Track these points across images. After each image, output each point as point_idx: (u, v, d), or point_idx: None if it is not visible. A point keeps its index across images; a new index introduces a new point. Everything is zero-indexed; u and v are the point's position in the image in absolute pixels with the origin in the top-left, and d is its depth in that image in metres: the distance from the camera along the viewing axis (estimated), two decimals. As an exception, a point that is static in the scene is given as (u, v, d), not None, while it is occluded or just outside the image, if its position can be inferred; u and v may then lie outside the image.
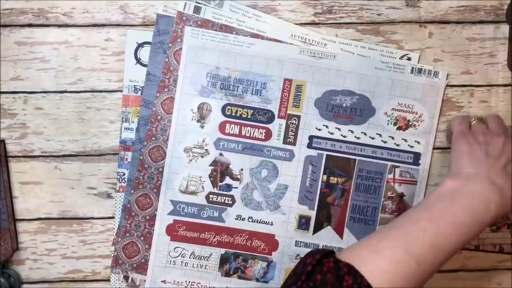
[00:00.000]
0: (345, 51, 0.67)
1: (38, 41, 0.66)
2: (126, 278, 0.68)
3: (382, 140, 0.68)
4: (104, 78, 0.67)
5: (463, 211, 0.54)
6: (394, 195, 0.68)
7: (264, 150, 0.67)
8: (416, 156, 0.68)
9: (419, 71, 0.67)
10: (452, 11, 0.68)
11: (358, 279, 0.49)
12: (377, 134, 0.68)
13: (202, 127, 0.67)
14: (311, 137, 0.67)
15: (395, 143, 0.68)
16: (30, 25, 0.66)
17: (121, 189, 0.67)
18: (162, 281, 0.68)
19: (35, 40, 0.66)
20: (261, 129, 0.67)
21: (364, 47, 0.67)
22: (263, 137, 0.67)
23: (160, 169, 0.67)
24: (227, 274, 0.68)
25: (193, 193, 0.67)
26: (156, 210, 0.67)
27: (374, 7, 0.67)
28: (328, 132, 0.67)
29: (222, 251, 0.68)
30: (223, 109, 0.67)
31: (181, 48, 0.66)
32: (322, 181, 0.68)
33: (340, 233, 0.69)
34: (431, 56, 0.68)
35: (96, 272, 0.69)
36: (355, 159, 0.68)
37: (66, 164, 0.67)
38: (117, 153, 0.67)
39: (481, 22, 0.68)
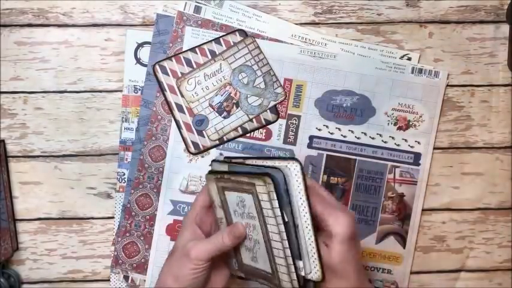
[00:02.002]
0: (345, 51, 0.67)
1: (38, 41, 0.66)
2: (126, 278, 0.68)
3: (382, 140, 0.68)
4: (104, 78, 0.67)
5: None
6: (394, 195, 0.68)
7: (264, 150, 0.67)
8: (417, 156, 0.68)
9: (420, 71, 0.67)
10: (452, 11, 0.68)
11: None
12: (377, 134, 0.67)
13: (203, 127, 0.67)
14: (311, 137, 0.67)
15: (395, 143, 0.68)
16: (30, 25, 0.66)
17: (121, 189, 0.67)
18: (162, 281, 0.68)
19: (35, 40, 0.66)
20: (261, 129, 0.67)
21: (364, 47, 0.67)
22: (263, 137, 0.67)
23: (161, 169, 0.67)
24: (227, 274, 0.68)
25: (193, 193, 0.67)
26: (156, 210, 0.67)
27: (374, 7, 0.67)
28: (329, 132, 0.67)
29: (222, 251, 0.68)
30: (223, 109, 0.67)
31: (181, 48, 0.66)
32: (322, 181, 0.68)
33: (341, 233, 0.68)
34: (431, 56, 0.68)
35: (96, 272, 0.69)
36: (355, 159, 0.68)
37: (66, 164, 0.67)
38: (117, 153, 0.67)
39: (481, 22, 0.68)
